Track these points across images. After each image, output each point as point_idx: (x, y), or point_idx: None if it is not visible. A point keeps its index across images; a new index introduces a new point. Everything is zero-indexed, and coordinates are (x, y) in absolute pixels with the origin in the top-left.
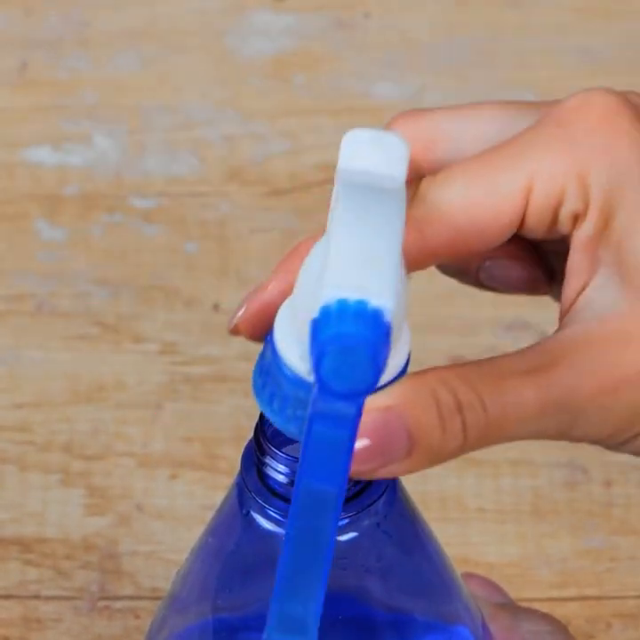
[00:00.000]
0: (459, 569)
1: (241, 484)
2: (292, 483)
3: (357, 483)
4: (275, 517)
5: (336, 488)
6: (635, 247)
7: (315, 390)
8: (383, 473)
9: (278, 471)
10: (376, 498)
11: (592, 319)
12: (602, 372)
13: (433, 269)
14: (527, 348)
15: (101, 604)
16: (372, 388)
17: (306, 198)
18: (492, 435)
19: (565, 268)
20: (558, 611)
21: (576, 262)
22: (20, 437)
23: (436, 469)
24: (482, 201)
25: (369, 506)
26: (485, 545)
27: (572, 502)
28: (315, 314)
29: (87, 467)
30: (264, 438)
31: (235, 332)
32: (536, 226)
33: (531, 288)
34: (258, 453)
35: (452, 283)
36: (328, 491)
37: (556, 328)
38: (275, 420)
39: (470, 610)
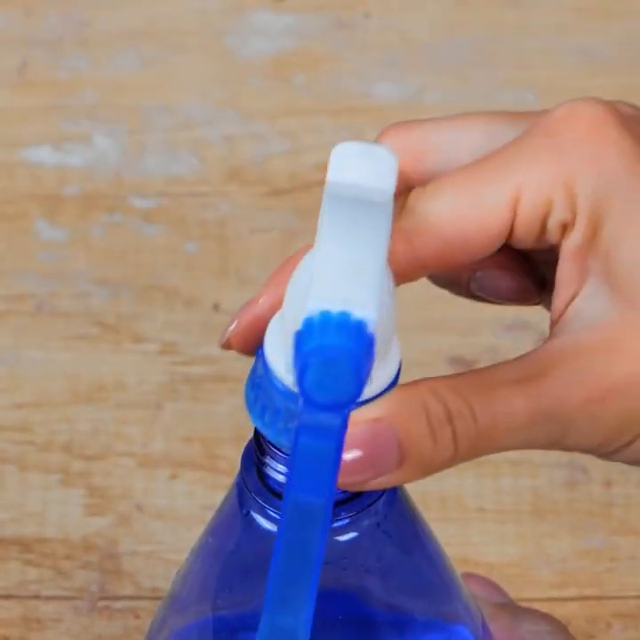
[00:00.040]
0: (459, 569)
1: (241, 484)
2: None
3: None
4: (275, 517)
5: (324, 499)
6: (623, 256)
7: (300, 402)
8: (374, 484)
9: (278, 471)
10: (376, 498)
11: (581, 329)
12: (591, 381)
13: None
14: (517, 357)
15: (101, 603)
16: (356, 400)
17: (306, 198)
18: (482, 445)
19: (555, 277)
20: (558, 611)
21: (565, 272)
22: (19, 437)
23: None
24: (469, 213)
25: (369, 506)
26: (485, 545)
27: (571, 502)
28: (298, 326)
29: (87, 467)
30: (264, 438)
31: (227, 346)
32: (525, 236)
33: (521, 298)
34: (258, 453)
35: None
36: (316, 502)
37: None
38: (267, 433)
39: (470, 610)
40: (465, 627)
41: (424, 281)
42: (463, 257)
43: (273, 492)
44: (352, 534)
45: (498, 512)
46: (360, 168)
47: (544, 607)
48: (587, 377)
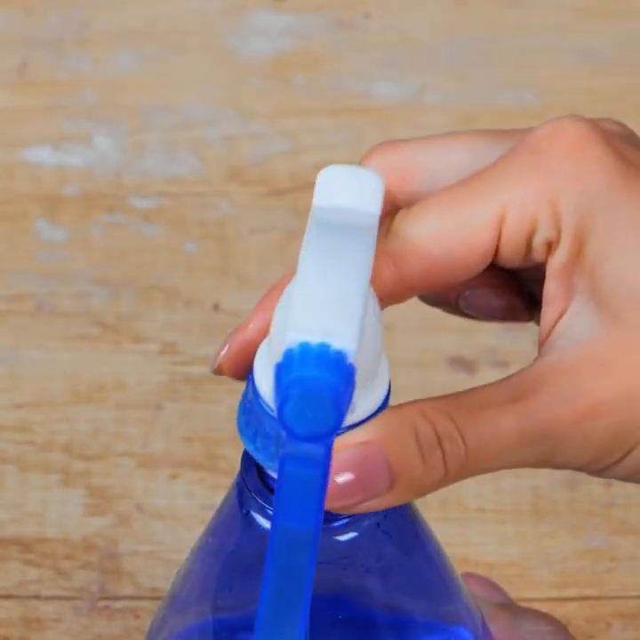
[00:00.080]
0: (459, 569)
1: (241, 484)
2: None
3: None
4: None
5: (311, 526)
6: (607, 272)
7: (283, 432)
8: (364, 508)
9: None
10: None
11: (569, 346)
12: (579, 399)
13: None
14: (506, 377)
15: (101, 603)
16: (335, 431)
17: (306, 198)
18: (471, 466)
19: (542, 295)
20: (558, 611)
21: (552, 290)
22: (20, 437)
23: None
24: (454, 234)
25: None
26: (485, 545)
27: (571, 502)
28: (278, 358)
29: (87, 467)
30: None
31: (218, 371)
32: (511, 255)
33: (510, 316)
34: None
35: None
36: (303, 529)
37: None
38: (258, 458)
39: (470, 610)
40: (465, 627)
41: None
42: (450, 277)
43: (273, 492)
44: (352, 534)
45: (498, 512)
46: (346, 192)
47: (544, 607)
48: (575, 395)
